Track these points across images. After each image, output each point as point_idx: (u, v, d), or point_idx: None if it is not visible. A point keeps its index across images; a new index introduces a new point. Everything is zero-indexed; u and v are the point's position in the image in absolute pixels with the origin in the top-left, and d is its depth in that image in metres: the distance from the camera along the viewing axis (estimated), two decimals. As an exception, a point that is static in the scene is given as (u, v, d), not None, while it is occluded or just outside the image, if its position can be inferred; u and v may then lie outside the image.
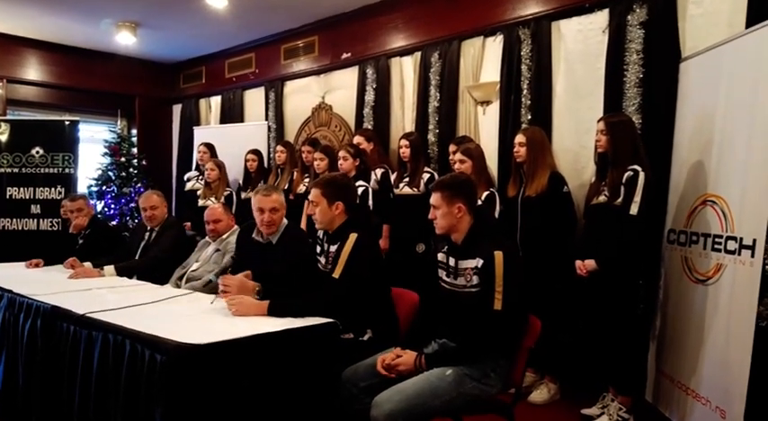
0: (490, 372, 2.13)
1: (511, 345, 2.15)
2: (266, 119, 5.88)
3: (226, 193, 5.13)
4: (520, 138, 3.43)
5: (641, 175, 2.96)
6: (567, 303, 3.28)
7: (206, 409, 1.86)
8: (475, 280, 2.15)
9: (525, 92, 3.85)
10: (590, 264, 3.08)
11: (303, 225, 4.47)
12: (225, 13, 4.96)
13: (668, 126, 3.21)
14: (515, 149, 3.44)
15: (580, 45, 3.71)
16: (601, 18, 3.61)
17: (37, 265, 4.08)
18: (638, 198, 2.95)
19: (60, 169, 5.51)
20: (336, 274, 2.41)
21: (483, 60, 4.20)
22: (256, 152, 5.34)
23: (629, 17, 3.41)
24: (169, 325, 2.12)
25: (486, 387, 2.13)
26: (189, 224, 5.00)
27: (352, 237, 2.48)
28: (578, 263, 3.14)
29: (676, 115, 3.19)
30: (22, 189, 5.44)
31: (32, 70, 6.02)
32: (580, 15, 3.71)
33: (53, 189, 5.47)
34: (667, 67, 3.24)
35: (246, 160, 5.31)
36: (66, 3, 4.88)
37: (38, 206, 5.44)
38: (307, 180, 4.78)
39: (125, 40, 5.55)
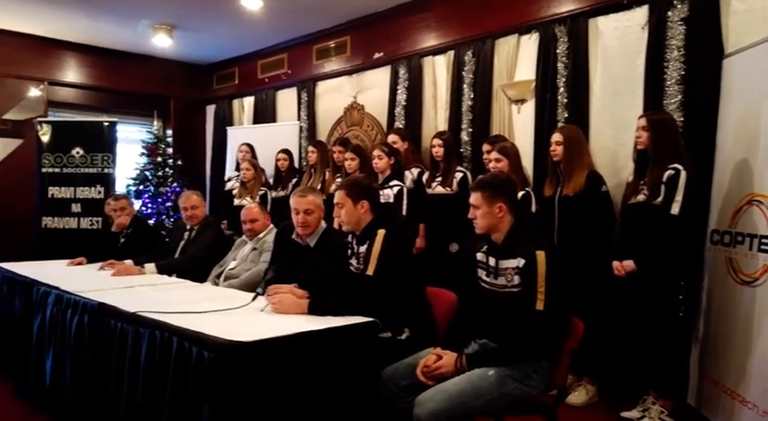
0: (532, 373, 2.12)
1: (553, 346, 2.13)
2: (298, 119, 5.93)
3: (260, 193, 5.19)
4: (557, 136, 3.40)
5: (683, 174, 2.91)
6: (604, 304, 3.23)
7: (252, 406, 1.89)
8: (516, 280, 2.14)
9: (561, 90, 3.80)
10: (628, 264, 3.04)
11: (336, 225, 4.50)
12: (258, 15, 5.02)
13: (711, 124, 3.15)
14: (552, 148, 3.41)
15: (618, 42, 3.66)
16: (640, 14, 3.55)
17: (80, 264, 4.20)
18: (679, 197, 2.90)
19: (100, 169, 5.65)
20: (370, 271, 2.42)
21: (517, 58, 4.17)
22: (287, 152, 5.39)
23: (669, 13, 3.34)
24: (213, 322, 2.16)
25: (527, 388, 2.12)
26: (225, 223, 5.08)
27: (381, 233, 2.49)
28: (616, 263, 3.10)
29: (719, 113, 3.12)
30: (63, 188, 5.60)
31: (72, 72, 6.18)
32: (618, 12, 3.65)
33: (93, 188, 5.61)
34: (710, 64, 3.17)
35: (277, 160, 5.37)
36: (104, 6, 5.00)
37: (78, 205, 5.59)
38: (339, 180, 4.81)
39: (161, 43, 5.65)
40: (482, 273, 2.31)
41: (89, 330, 2.62)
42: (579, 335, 2.17)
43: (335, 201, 2.62)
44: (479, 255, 2.34)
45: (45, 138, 5.61)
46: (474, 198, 2.25)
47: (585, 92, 3.74)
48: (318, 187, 4.91)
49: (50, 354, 2.94)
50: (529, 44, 4.10)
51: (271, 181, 5.46)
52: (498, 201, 2.20)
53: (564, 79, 3.80)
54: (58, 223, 5.56)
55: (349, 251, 2.71)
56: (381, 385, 2.28)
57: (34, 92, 5.88)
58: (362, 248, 2.56)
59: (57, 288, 3.04)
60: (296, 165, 5.60)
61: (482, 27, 4.32)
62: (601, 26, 3.73)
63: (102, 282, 3.29)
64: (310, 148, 5.13)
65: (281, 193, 5.29)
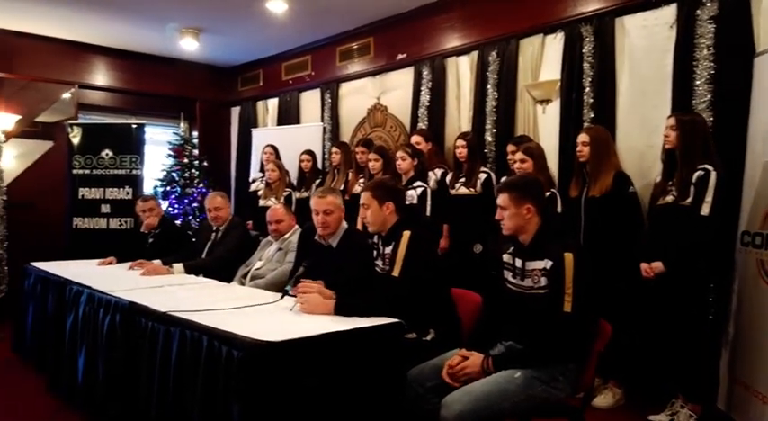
0: (559, 376, 2.11)
1: (580, 349, 2.12)
2: (322, 120, 5.97)
3: (285, 194, 5.23)
4: (583, 137, 3.37)
5: (713, 174, 2.88)
6: (631, 306, 3.20)
7: (280, 405, 1.91)
8: (543, 281, 2.13)
9: (587, 90, 3.77)
10: (657, 266, 3.01)
11: (359, 226, 4.52)
12: (282, 17, 5.07)
13: (741, 124, 3.09)
14: (578, 149, 3.38)
15: (645, 41, 3.61)
16: (668, 13, 3.50)
17: (110, 263, 4.29)
18: (709, 198, 2.87)
19: (128, 170, 5.75)
20: (396, 272, 2.44)
21: (542, 58, 4.14)
22: (310, 152, 5.43)
23: (698, 11, 3.30)
24: (242, 322, 2.20)
25: (554, 390, 2.11)
26: (250, 223, 5.14)
27: (406, 234, 2.50)
28: (644, 265, 3.07)
29: (750, 112, 3.06)
30: (93, 189, 5.71)
31: (101, 76, 6.31)
32: (645, 11, 3.61)
33: (122, 189, 5.72)
34: (740, 63, 3.12)
35: (301, 160, 5.41)
36: (133, 11, 5.09)
37: (108, 205, 5.69)
38: (362, 180, 4.82)
39: (188, 46, 5.74)
40: (508, 275, 2.30)
41: (120, 329, 2.68)
42: (606, 337, 2.16)
43: (361, 202, 2.64)
44: (505, 257, 2.33)
45: (75, 141, 5.73)
46: (501, 199, 2.25)
47: (612, 92, 3.71)
48: (341, 188, 4.95)
49: (83, 352, 3.01)
50: (554, 44, 4.07)
51: (294, 182, 5.50)
52: (526, 203, 2.20)
53: (590, 79, 3.77)
54: (88, 223, 5.68)
55: (374, 252, 2.73)
56: (407, 386, 2.29)
57: (65, 95, 6.02)
58: (388, 249, 2.58)
59: (89, 287, 3.12)
60: (319, 166, 5.64)
61: (506, 27, 4.30)
62: (627, 25, 3.69)
63: (132, 281, 3.36)
64: (334, 149, 5.16)
65: (305, 194, 5.33)
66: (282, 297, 2.57)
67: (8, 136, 5.33)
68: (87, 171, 5.72)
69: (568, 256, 2.06)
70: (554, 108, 4.05)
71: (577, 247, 2.13)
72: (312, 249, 3.18)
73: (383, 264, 2.62)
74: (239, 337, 1.97)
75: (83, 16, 5.24)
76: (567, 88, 3.90)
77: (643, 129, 3.62)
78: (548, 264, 2.11)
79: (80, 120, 6.03)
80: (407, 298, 2.38)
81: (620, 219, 3.24)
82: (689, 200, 2.95)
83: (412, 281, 2.40)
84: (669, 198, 3.07)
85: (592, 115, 3.75)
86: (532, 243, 2.21)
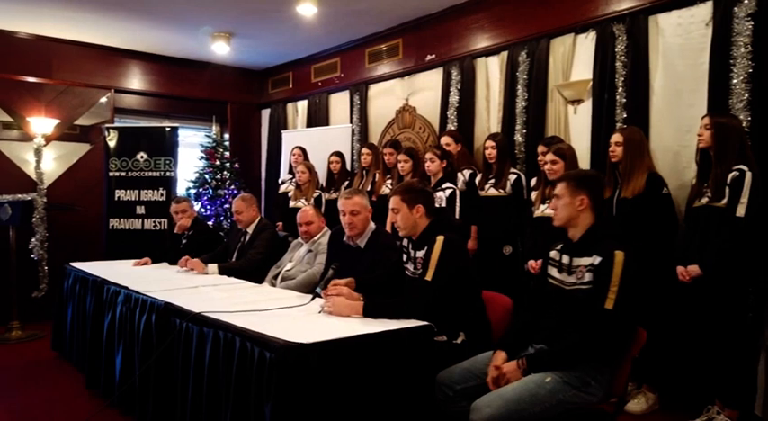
0: (591, 381, 2.09)
1: (616, 350, 2.09)
2: (350, 122, 6.00)
3: (315, 195, 5.28)
4: (617, 137, 3.32)
5: (748, 175, 2.82)
6: (667, 309, 3.14)
7: (312, 406, 1.94)
8: (587, 277, 2.11)
9: (620, 89, 3.71)
10: (693, 269, 2.95)
11: (388, 227, 4.53)
12: (312, 20, 5.11)
13: (780, 123, 3.01)
14: (611, 149, 3.34)
15: (680, 40, 3.54)
16: (704, 11, 3.42)
17: (145, 264, 4.39)
18: (744, 199, 2.81)
19: (162, 172, 5.88)
20: (429, 277, 2.44)
21: (573, 58, 4.08)
22: (339, 154, 5.47)
23: (735, 9, 3.21)
24: (274, 324, 2.23)
25: (586, 395, 2.08)
26: (280, 224, 5.21)
27: (440, 239, 2.50)
28: (680, 269, 3.02)
29: (790, 111, 2.98)
30: (128, 191, 5.85)
31: (136, 80, 6.45)
32: (680, 8, 3.53)
33: (156, 191, 5.84)
34: (780, 61, 3.03)
35: (330, 162, 5.45)
36: (167, 17, 5.20)
37: (142, 207, 5.83)
38: (389, 181, 4.84)
39: (220, 50, 5.83)
40: (553, 271, 2.29)
41: (156, 329, 2.75)
42: (642, 343, 2.12)
43: (391, 206, 2.65)
44: (553, 253, 2.33)
45: (112, 144, 5.88)
46: (559, 188, 2.25)
47: (646, 91, 3.64)
48: (368, 189, 4.97)
49: (120, 351, 3.10)
50: (585, 43, 4.01)
51: (323, 183, 5.55)
52: (581, 194, 2.19)
53: (623, 79, 3.70)
54: (124, 224, 5.83)
55: (405, 256, 2.73)
56: (436, 388, 2.30)
57: (102, 99, 6.17)
58: (420, 253, 2.58)
59: (125, 287, 3.21)
60: (348, 167, 5.67)
61: (537, 27, 4.25)
62: (662, 23, 3.62)
63: (168, 282, 3.43)
64: (365, 150, 5.18)
65: (334, 196, 5.36)
66: (313, 299, 2.60)
67: (48, 139, 5.49)
68: (123, 173, 5.87)
69: (619, 254, 2.04)
70: (585, 108, 4.00)
71: (629, 248, 2.10)
72: (341, 250, 3.21)
73: (414, 268, 2.62)
74: (271, 339, 2.01)
75: (119, 23, 5.37)
76: (599, 88, 3.84)
77: (678, 129, 3.54)
78: (596, 260, 2.09)
79: (116, 124, 6.17)
80: (438, 302, 2.38)
81: (654, 220, 3.19)
82: (724, 201, 2.89)
83: (444, 285, 2.41)
84: (704, 199, 3.01)
85: (625, 115, 3.68)
86: (582, 239, 2.20)
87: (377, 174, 4.96)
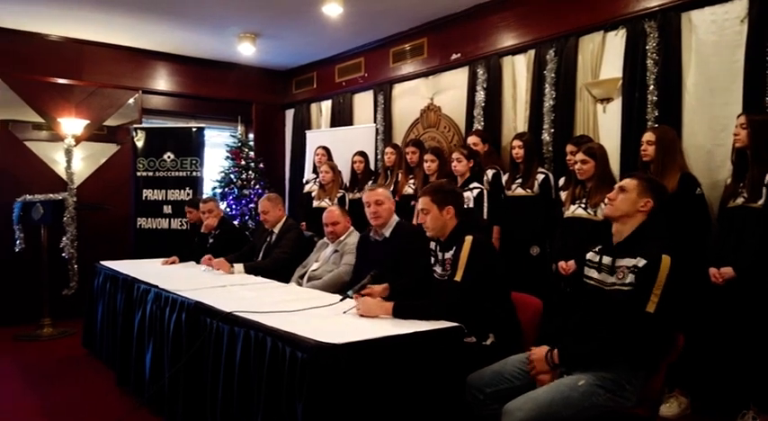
0: (626, 385, 2.05)
1: (653, 354, 2.05)
2: (374, 121, 5.99)
3: (338, 195, 5.28)
4: (649, 136, 3.26)
5: (786, 175, 2.74)
6: (699, 312, 3.07)
7: (343, 407, 1.93)
8: (629, 278, 2.08)
9: (651, 88, 3.64)
10: (727, 271, 2.89)
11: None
12: (337, 21, 5.11)
13: (820, 121, 2.92)
14: (643, 148, 3.28)
15: (714, 36, 3.46)
16: (738, 7, 3.34)
17: (173, 263, 4.45)
18: (782, 199, 2.73)
19: (188, 172, 5.94)
20: (458, 277, 2.42)
21: (603, 56, 4.02)
22: (363, 154, 5.46)
23: (772, 4, 3.13)
24: (304, 323, 2.23)
25: (620, 399, 2.05)
26: (304, 224, 5.22)
27: (468, 239, 2.49)
28: (713, 270, 2.96)
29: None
30: (155, 191, 5.93)
31: (162, 81, 6.53)
32: (714, 5, 3.45)
33: (182, 191, 5.91)
34: (819, 57, 2.95)
35: (353, 162, 5.45)
36: (194, 18, 5.25)
37: (169, 206, 5.90)
38: (411, 181, 4.82)
39: (245, 51, 5.87)
40: (591, 272, 2.26)
41: (186, 328, 2.77)
42: (679, 348, 2.08)
43: (420, 206, 2.63)
44: (590, 255, 2.30)
45: (140, 144, 5.97)
46: (628, 182, 2.23)
47: (678, 89, 3.56)
48: (391, 189, 4.95)
49: (150, 349, 3.13)
50: (615, 41, 3.95)
51: (347, 183, 5.55)
52: (647, 198, 2.17)
53: (654, 77, 3.63)
54: (151, 224, 5.91)
55: (432, 258, 2.71)
56: (466, 391, 2.28)
57: (130, 100, 6.26)
58: (448, 254, 2.56)
59: (155, 286, 3.25)
60: (371, 167, 5.66)
61: (565, 25, 4.20)
62: (695, 20, 3.54)
63: (197, 281, 3.47)
64: (389, 150, 5.16)
65: (358, 195, 5.37)
66: (342, 299, 2.60)
67: (77, 140, 5.58)
68: (150, 173, 5.95)
69: (666, 258, 2.02)
70: (615, 107, 3.93)
71: (675, 251, 2.06)
72: (369, 250, 3.23)
73: (443, 269, 2.60)
74: (303, 339, 2.01)
75: (147, 25, 5.44)
76: (629, 86, 3.78)
77: (711, 127, 3.46)
78: (640, 262, 2.06)
79: (144, 125, 6.25)
80: (467, 303, 2.37)
81: (686, 221, 3.12)
82: (761, 201, 2.84)
83: (473, 285, 2.39)
84: (740, 200, 2.96)
85: (656, 114, 3.61)
86: (627, 239, 2.17)
87: (399, 174, 4.95)
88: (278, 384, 2.06)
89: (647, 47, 3.68)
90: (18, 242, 5.15)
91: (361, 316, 2.42)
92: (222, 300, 2.77)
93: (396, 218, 3.24)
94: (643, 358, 2.05)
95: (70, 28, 5.59)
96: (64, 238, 5.22)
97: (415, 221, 3.12)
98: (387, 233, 3.19)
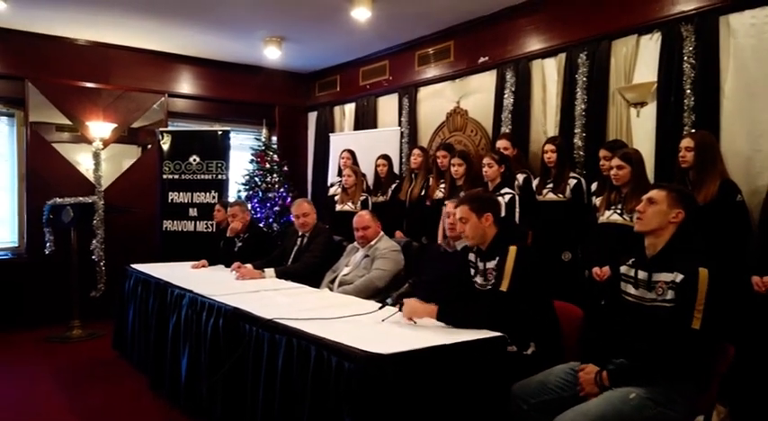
0: (677, 398, 2.01)
1: (703, 368, 2.02)
2: (399, 124, 5.97)
3: (361, 198, 5.27)
4: (687, 142, 3.21)
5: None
6: (739, 320, 3.02)
7: (390, 418, 1.92)
8: (669, 295, 2.04)
9: (688, 92, 3.58)
10: (770, 280, 2.83)
11: (440, 233, 4.49)
12: (363, 24, 5.10)
13: None
14: (681, 154, 3.23)
15: (754, 40, 3.40)
16: (779, 10, 3.29)
17: (202, 266, 4.47)
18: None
19: (214, 175, 5.97)
20: (504, 287, 2.40)
21: (636, 59, 3.97)
22: (386, 157, 5.44)
23: (816, 7, 3.07)
24: (344, 331, 2.22)
25: (672, 412, 2.01)
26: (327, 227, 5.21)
27: (513, 249, 2.46)
28: (756, 279, 2.91)
29: None
30: (181, 193, 5.97)
31: (187, 84, 6.57)
32: (754, 8, 3.39)
33: (208, 193, 5.94)
34: None
35: (377, 165, 5.43)
36: (220, 22, 5.27)
37: (195, 209, 5.93)
38: (442, 186, 4.79)
39: (271, 54, 5.88)
40: (628, 287, 2.22)
41: (224, 333, 2.77)
42: (729, 359, 2.04)
43: (458, 215, 2.61)
44: (624, 268, 2.26)
45: (165, 147, 6.00)
46: (657, 194, 2.19)
47: (716, 94, 3.50)
48: (422, 193, 4.93)
49: (186, 354, 3.14)
50: (650, 44, 3.89)
51: (371, 186, 5.54)
52: (678, 209, 2.14)
53: (690, 81, 3.58)
54: (177, 226, 5.94)
55: (472, 270, 2.69)
56: (511, 401, 2.25)
57: (156, 103, 6.30)
58: (490, 264, 2.53)
59: (190, 291, 3.25)
60: (396, 170, 5.65)
61: (597, 28, 4.15)
62: (733, 23, 3.48)
63: (229, 285, 3.48)
64: (416, 152, 5.13)
65: (381, 199, 5.36)
66: (381, 307, 2.58)
67: (105, 143, 5.63)
68: (176, 176, 5.98)
69: (703, 272, 1.98)
70: (649, 111, 3.88)
71: (712, 262, 2.03)
72: (435, 259, 3.23)
73: (484, 279, 2.58)
74: (350, 349, 1.99)
75: (174, 28, 5.47)
76: (664, 90, 3.72)
77: (750, 133, 3.40)
78: (678, 277, 2.03)
79: (170, 128, 6.29)
80: (513, 313, 2.34)
81: (727, 229, 3.07)
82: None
83: (519, 295, 2.36)
84: (782, 207, 2.89)
85: (693, 118, 3.56)
86: (661, 253, 2.13)
87: (431, 179, 4.92)
88: (324, 395, 2.05)
89: (684, 51, 3.63)
90: (48, 244, 5.21)
91: (407, 318, 2.41)
92: (259, 305, 2.77)
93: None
94: (693, 373, 2.02)
95: (98, 32, 5.64)
96: (94, 241, 5.27)
97: (441, 226, 3.06)
98: (459, 246, 3.11)
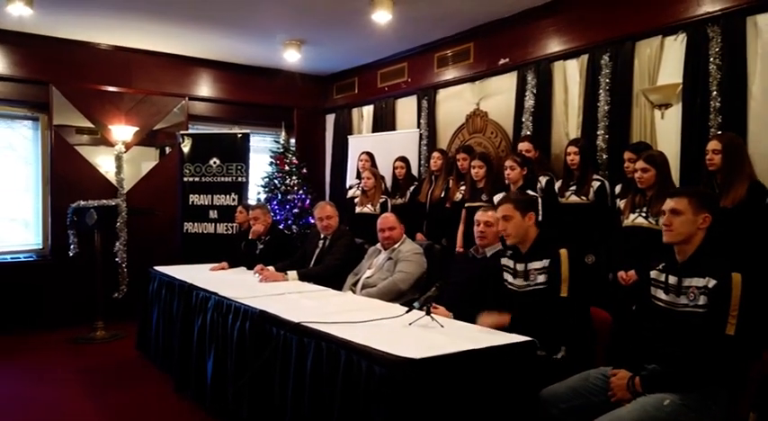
0: (711, 404, 1.99)
1: (737, 375, 1.99)
2: (418, 126, 5.97)
3: (381, 201, 5.27)
4: (714, 144, 3.17)
5: None
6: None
7: (422, 422, 1.92)
8: (701, 300, 2.02)
9: (714, 94, 3.54)
10: (801, 283, 2.78)
11: (460, 235, 4.49)
12: (383, 27, 5.10)
13: None
14: (708, 157, 3.19)
15: (781, 40, 3.36)
16: (809, 9, 3.24)
17: (222, 268, 4.50)
18: None
19: (234, 178, 6.01)
20: (564, 293, 2.42)
21: (661, 61, 3.93)
22: (404, 159, 5.45)
23: None
24: (372, 335, 2.23)
25: (706, 419, 1.99)
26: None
27: (564, 253, 2.49)
28: (786, 282, 2.86)
29: None
30: (201, 196, 6.01)
31: (206, 88, 6.61)
32: (782, 8, 3.35)
33: (228, 196, 5.98)
34: None
35: (395, 167, 5.44)
36: (239, 26, 5.30)
37: (215, 211, 5.98)
38: (462, 188, 4.78)
39: (291, 58, 5.91)
40: (658, 292, 2.20)
41: (251, 336, 2.79)
42: (765, 365, 2.01)
43: (501, 214, 2.63)
44: (654, 273, 2.24)
45: (186, 150, 6.05)
46: (679, 202, 2.15)
47: (743, 96, 3.46)
48: (442, 195, 4.93)
49: (211, 357, 3.16)
50: (674, 45, 3.86)
51: (389, 188, 5.54)
52: (704, 212, 2.11)
53: (717, 82, 3.53)
54: (198, 228, 5.99)
55: (509, 274, 2.68)
56: (540, 406, 2.24)
57: (177, 107, 6.36)
58: (533, 265, 2.54)
59: (215, 294, 3.28)
60: (414, 172, 5.65)
61: (620, 29, 4.12)
62: (761, 24, 3.43)
63: (254, 288, 3.50)
64: (435, 154, 5.13)
65: (399, 201, 5.36)
66: (408, 311, 2.58)
67: (127, 146, 5.70)
68: (197, 178, 6.03)
69: (737, 277, 1.96)
70: (674, 113, 3.84)
71: (744, 267, 2.00)
72: (462, 261, 3.25)
73: (524, 280, 2.58)
74: (381, 353, 2.00)
75: (194, 33, 5.51)
76: (690, 92, 3.68)
77: (779, 134, 3.36)
78: (710, 282, 2.00)
79: (190, 131, 6.35)
80: (575, 318, 2.35)
81: (756, 232, 3.03)
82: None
83: (579, 300, 2.38)
84: (812, 209, 2.85)
85: (719, 120, 3.52)
86: (692, 258, 2.11)
87: (450, 181, 4.91)
88: (353, 398, 2.06)
89: (710, 52, 3.58)
90: (72, 246, 5.28)
91: (485, 326, 2.43)
92: (285, 308, 2.78)
93: (500, 246, 3.11)
94: (728, 379, 2.00)
95: (120, 37, 5.70)
96: (117, 243, 5.33)
97: (461, 229, 3.05)
98: (489, 253, 3.12)
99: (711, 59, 3.58)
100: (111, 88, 5.95)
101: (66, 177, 5.65)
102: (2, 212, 5.70)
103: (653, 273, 2.24)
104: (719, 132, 3.43)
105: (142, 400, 3.61)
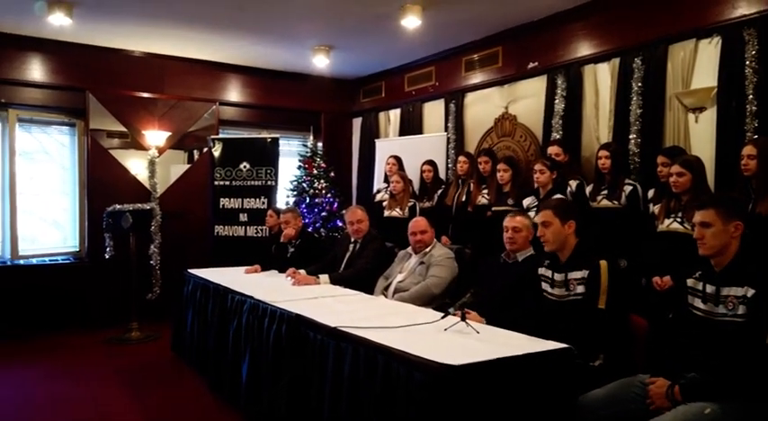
0: (752, 412, 1.97)
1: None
2: (446, 130, 5.98)
3: (409, 204, 5.30)
4: (750, 149, 3.13)
5: None
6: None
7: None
8: (740, 309, 2.01)
9: (750, 97, 3.50)
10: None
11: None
12: (412, 31, 5.13)
13: None
14: (743, 162, 3.15)
15: (821, 42, 3.30)
16: None
17: (255, 271, 4.57)
18: None
19: (263, 182, 6.10)
20: (602, 304, 2.43)
21: (695, 64, 3.89)
22: (431, 163, 5.46)
23: None
24: (409, 341, 2.24)
25: (748, 428, 1.98)
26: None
27: (604, 264, 2.49)
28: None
29: None
30: (232, 199, 6.12)
31: (235, 93, 6.72)
32: (822, 9, 3.30)
33: (258, 199, 6.08)
34: None
35: (422, 171, 5.46)
36: (274, 32, 5.38)
37: (245, 215, 6.08)
38: (485, 191, 4.78)
39: (320, 63, 5.98)
40: (696, 301, 2.19)
41: (287, 340, 2.84)
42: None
43: (541, 219, 2.63)
44: (690, 282, 2.23)
45: (217, 154, 6.16)
46: (707, 215, 2.14)
47: (780, 99, 3.42)
48: (464, 199, 4.93)
49: (247, 359, 3.22)
50: (708, 48, 3.82)
51: (417, 192, 5.56)
52: (735, 220, 2.09)
53: (753, 86, 3.49)
54: (228, 231, 6.09)
55: (544, 283, 2.69)
56: (578, 413, 2.24)
57: (207, 112, 6.47)
58: (573, 275, 2.55)
59: (251, 297, 3.34)
60: (442, 176, 5.66)
61: (653, 33, 4.08)
62: (800, 26, 3.40)
63: (288, 292, 3.55)
64: (462, 158, 5.13)
65: (427, 204, 5.38)
66: (444, 316, 2.60)
67: (160, 151, 5.82)
68: (227, 182, 6.13)
69: None
70: (708, 117, 3.80)
71: None
72: (494, 267, 3.25)
73: (565, 290, 2.58)
74: (420, 359, 2.02)
75: (226, 40, 5.61)
76: (725, 96, 3.64)
77: (818, 139, 3.30)
78: (749, 291, 1.99)
79: (221, 135, 6.45)
80: (612, 331, 2.35)
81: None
82: None
83: (617, 313, 2.39)
84: None
85: (756, 124, 3.47)
86: (729, 267, 2.10)
87: (471, 184, 4.91)
88: (391, 404, 2.08)
89: (746, 55, 3.54)
90: (108, 249, 5.41)
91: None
92: (319, 312, 2.82)
93: (532, 250, 3.15)
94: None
95: (154, 44, 5.83)
96: (152, 246, 5.44)
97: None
98: (519, 258, 3.14)
99: (747, 63, 3.54)
100: (144, 94, 6.08)
101: (101, 181, 5.80)
102: (40, 216, 5.86)
103: (689, 282, 2.23)
104: (755, 137, 3.39)
105: (178, 400, 3.69)
